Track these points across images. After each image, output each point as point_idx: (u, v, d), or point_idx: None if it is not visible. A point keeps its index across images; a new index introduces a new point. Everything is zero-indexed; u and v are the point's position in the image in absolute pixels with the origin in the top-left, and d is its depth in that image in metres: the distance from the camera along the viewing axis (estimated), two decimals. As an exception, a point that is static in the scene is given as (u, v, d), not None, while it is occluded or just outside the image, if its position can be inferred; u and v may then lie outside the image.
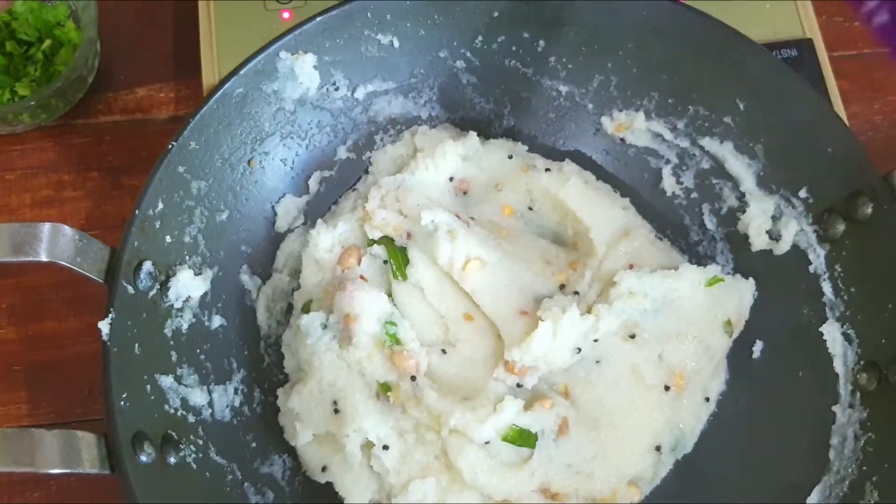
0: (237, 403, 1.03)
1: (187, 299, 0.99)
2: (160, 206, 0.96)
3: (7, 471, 0.84)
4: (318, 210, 1.12)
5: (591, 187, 1.11)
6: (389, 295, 1.04)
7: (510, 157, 1.13)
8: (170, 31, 1.26)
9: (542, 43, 1.11)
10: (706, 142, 1.10)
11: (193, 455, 0.95)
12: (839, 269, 1.03)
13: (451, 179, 1.12)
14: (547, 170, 1.12)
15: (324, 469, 1.02)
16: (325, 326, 1.02)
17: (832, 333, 1.02)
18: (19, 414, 1.08)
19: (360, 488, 0.99)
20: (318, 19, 1.04)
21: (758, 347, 1.08)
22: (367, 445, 0.98)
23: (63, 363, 1.10)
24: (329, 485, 1.01)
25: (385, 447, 0.96)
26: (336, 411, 0.99)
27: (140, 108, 1.23)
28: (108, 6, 1.23)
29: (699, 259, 1.12)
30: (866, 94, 1.30)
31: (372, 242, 1.04)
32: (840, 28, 1.33)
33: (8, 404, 1.08)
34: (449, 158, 1.10)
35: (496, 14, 1.09)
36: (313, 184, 1.12)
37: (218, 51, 1.19)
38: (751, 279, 1.07)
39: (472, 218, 1.09)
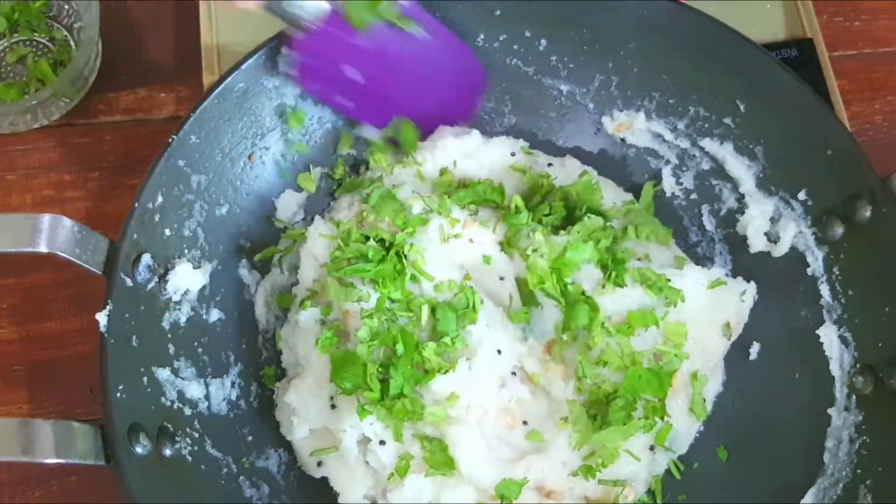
0: (234, 397, 1.03)
1: (186, 292, 1.00)
2: (160, 199, 0.96)
3: (3, 460, 0.85)
4: (318, 205, 1.13)
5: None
6: None
7: (512, 153, 1.13)
8: (171, 31, 1.27)
9: (543, 42, 1.11)
10: (706, 143, 1.10)
11: (189, 448, 0.96)
12: (837, 272, 1.03)
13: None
14: (549, 164, 1.13)
15: (319, 464, 1.02)
16: (322, 322, 1.02)
17: (829, 336, 1.02)
18: (20, 413, 1.09)
19: (355, 484, 0.99)
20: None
21: (755, 349, 1.08)
22: (363, 441, 0.98)
23: (64, 363, 1.11)
24: (324, 479, 1.02)
25: (381, 442, 0.96)
26: (333, 406, 0.99)
27: (141, 108, 1.23)
28: (110, 6, 1.23)
29: (698, 260, 1.12)
30: (866, 94, 1.30)
31: (366, 239, 1.03)
32: (840, 28, 1.33)
33: (9, 404, 1.09)
34: (450, 153, 1.10)
35: (498, 13, 1.09)
36: (313, 180, 1.12)
37: (219, 51, 1.20)
38: (752, 282, 1.07)
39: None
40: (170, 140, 0.98)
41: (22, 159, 1.19)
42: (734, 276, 1.08)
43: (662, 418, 0.98)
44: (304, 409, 1.00)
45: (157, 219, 0.96)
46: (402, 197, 1.05)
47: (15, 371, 1.10)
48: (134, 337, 0.93)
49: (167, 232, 0.98)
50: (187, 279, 0.99)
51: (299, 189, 1.11)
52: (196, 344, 1.01)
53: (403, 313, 0.99)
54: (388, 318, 0.99)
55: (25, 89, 1.20)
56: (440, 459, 0.96)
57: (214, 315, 1.04)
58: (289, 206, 1.11)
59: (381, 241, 1.01)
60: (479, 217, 1.04)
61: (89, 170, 1.19)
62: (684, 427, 1.04)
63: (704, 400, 1.05)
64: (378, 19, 1.02)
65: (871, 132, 1.26)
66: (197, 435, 0.97)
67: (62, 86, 1.16)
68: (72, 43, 1.23)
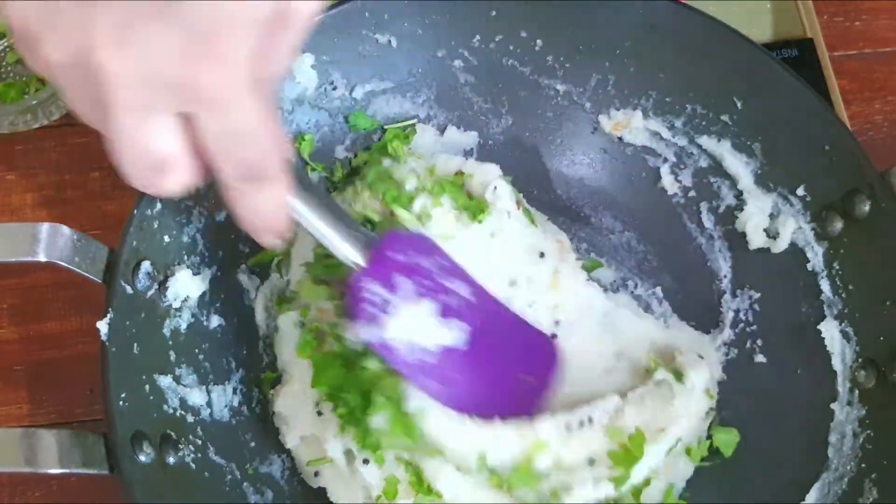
0: (236, 403, 1.03)
1: (186, 299, 0.99)
2: (158, 206, 0.96)
3: (6, 471, 0.85)
4: (317, 209, 1.12)
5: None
6: None
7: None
8: (171, 32, 1.26)
9: (539, 42, 1.11)
10: (704, 140, 1.10)
11: (192, 455, 0.95)
12: (837, 267, 1.03)
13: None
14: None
15: (316, 474, 1.01)
16: (302, 325, 1.01)
17: (830, 331, 1.02)
18: (20, 414, 1.08)
19: (351, 495, 0.98)
20: (316, 19, 1.04)
21: (756, 346, 1.08)
22: (349, 452, 0.96)
23: (64, 363, 1.10)
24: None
25: (365, 461, 0.95)
26: (319, 413, 0.99)
27: (141, 108, 1.23)
28: (109, 7, 1.23)
29: (697, 258, 1.13)
30: (867, 93, 1.30)
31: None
32: (841, 28, 1.33)
33: (9, 404, 1.09)
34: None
35: (494, 13, 1.09)
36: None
37: (219, 51, 1.19)
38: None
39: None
40: (168, 146, 0.97)
41: (22, 159, 1.19)
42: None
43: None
44: (293, 416, 1.00)
45: (156, 225, 0.96)
46: (399, 176, 1.04)
47: (15, 371, 1.10)
48: (135, 345, 0.93)
49: (166, 238, 0.98)
50: (187, 286, 0.99)
51: (297, 193, 1.11)
52: (197, 351, 1.01)
53: None
54: None
55: (25, 89, 1.20)
56: (425, 486, 0.94)
57: (215, 321, 1.03)
58: (287, 210, 1.10)
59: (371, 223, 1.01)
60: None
61: (90, 170, 1.19)
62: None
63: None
64: None
65: (871, 132, 1.27)
66: (200, 442, 0.97)
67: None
68: (72, 43, 1.23)
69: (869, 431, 0.98)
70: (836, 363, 1.02)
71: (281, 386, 1.04)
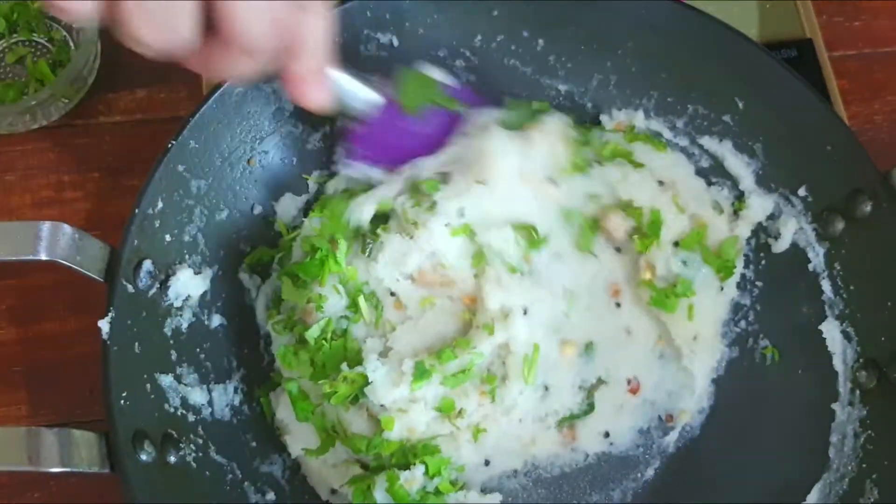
0: (237, 402, 1.03)
1: (187, 298, 0.99)
2: (160, 204, 0.96)
3: (6, 470, 0.84)
4: (318, 209, 1.12)
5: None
6: None
7: None
8: (171, 32, 1.26)
9: (541, 42, 1.11)
10: (705, 140, 1.10)
11: (193, 454, 0.95)
12: (838, 268, 1.03)
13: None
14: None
15: (333, 492, 1.02)
16: (286, 327, 1.01)
17: (831, 332, 1.03)
18: (19, 415, 1.08)
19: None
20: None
21: (757, 346, 1.08)
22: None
23: (63, 364, 1.10)
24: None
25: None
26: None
27: (141, 108, 1.22)
28: (109, 6, 1.22)
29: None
30: (866, 93, 1.29)
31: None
32: (840, 28, 1.33)
33: (8, 405, 1.08)
34: None
35: (495, 13, 1.09)
36: (312, 183, 1.12)
37: (219, 51, 1.19)
38: None
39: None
40: (169, 145, 0.97)
41: (21, 160, 1.18)
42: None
43: None
44: (292, 424, 1.01)
45: (157, 224, 0.96)
46: None
47: (14, 372, 1.10)
48: (136, 343, 0.93)
49: (168, 237, 0.98)
50: (188, 285, 0.99)
51: (299, 193, 1.11)
52: (198, 350, 1.01)
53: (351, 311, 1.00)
54: (342, 317, 0.99)
55: (24, 90, 1.19)
56: None
57: (216, 321, 1.03)
58: (289, 209, 1.10)
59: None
60: None
61: (88, 171, 1.18)
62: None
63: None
64: (429, 104, 1.03)
65: (871, 132, 1.26)
66: (201, 441, 0.97)
67: (61, 86, 1.16)
68: (71, 43, 1.22)
69: (870, 432, 0.98)
70: (838, 363, 1.02)
71: (282, 392, 1.03)
